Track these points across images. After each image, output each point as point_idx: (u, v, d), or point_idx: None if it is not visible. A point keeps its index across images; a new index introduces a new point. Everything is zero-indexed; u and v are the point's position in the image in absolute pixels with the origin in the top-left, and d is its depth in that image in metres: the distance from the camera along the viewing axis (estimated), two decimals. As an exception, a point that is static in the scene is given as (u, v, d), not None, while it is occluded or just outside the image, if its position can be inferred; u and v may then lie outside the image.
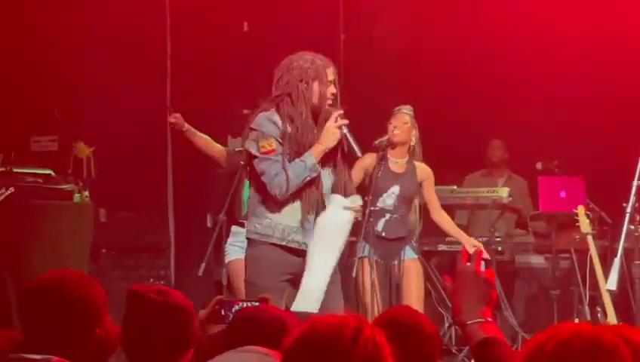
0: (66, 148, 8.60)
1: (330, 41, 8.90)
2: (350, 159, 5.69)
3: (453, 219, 7.76)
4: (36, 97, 8.73)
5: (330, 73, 5.43)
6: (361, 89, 8.85)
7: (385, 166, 6.98)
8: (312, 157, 5.32)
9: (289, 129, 5.33)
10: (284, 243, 5.40)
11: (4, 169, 6.68)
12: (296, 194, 5.37)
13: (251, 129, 5.39)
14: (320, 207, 5.40)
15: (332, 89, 5.41)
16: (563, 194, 7.86)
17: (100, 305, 2.97)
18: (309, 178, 5.32)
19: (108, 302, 3.03)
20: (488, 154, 9.13)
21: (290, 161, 5.32)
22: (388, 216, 6.94)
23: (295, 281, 5.44)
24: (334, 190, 5.46)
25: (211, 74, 9.08)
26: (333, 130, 5.33)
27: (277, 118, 5.35)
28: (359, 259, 6.79)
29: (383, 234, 6.93)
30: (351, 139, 5.40)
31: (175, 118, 7.05)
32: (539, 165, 8.49)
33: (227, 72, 9.06)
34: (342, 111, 5.38)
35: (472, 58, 8.94)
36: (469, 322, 2.48)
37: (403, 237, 6.97)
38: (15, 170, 6.74)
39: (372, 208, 6.78)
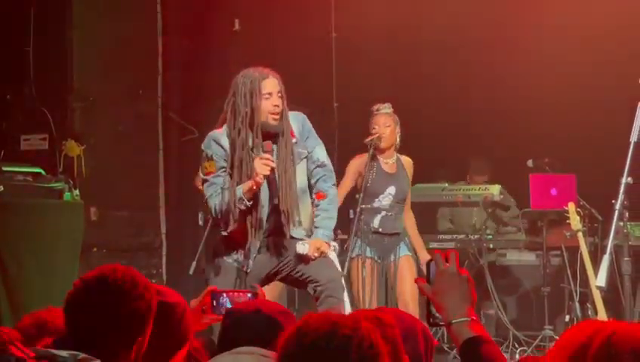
0: (56, 146, 8.59)
1: (321, 40, 8.90)
2: None
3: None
4: (28, 95, 8.70)
5: (268, 85, 5.33)
6: (352, 87, 8.86)
7: (377, 167, 6.99)
8: (240, 189, 5.28)
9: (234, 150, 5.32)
10: (230, 260, 5.46)
11: (-7, 167, 6.65)
12: (241, 217, 5.34)
13: (202, 150, 5.47)
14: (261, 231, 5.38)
15: (273, 100, 5.32)
16: (554, 191, 7.87)
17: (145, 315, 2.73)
18: (237, 208, 5.28)
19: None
20: (471, 177, 8.95)
21: (240, 181, 5.30)
22: (384, 213, 6.98)
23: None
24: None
25: (202, 73, 9.08)
26: (257, 164, 5.22)
27: (224, 139, 5.36)
28: (352, 258, 6.84)
29: (380, 229, 6.96)
30: None
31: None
32: (530, 162, 8.48)
33: (218, 71, 9.05)
34: (269, 157, 5.23)
35: (463, 56, 8.94)
36: (454, 321, 2.48)
37: (399, 233, 6.99)
38: (4, 169, 6.70)
39: (363, 206, 6.80)
